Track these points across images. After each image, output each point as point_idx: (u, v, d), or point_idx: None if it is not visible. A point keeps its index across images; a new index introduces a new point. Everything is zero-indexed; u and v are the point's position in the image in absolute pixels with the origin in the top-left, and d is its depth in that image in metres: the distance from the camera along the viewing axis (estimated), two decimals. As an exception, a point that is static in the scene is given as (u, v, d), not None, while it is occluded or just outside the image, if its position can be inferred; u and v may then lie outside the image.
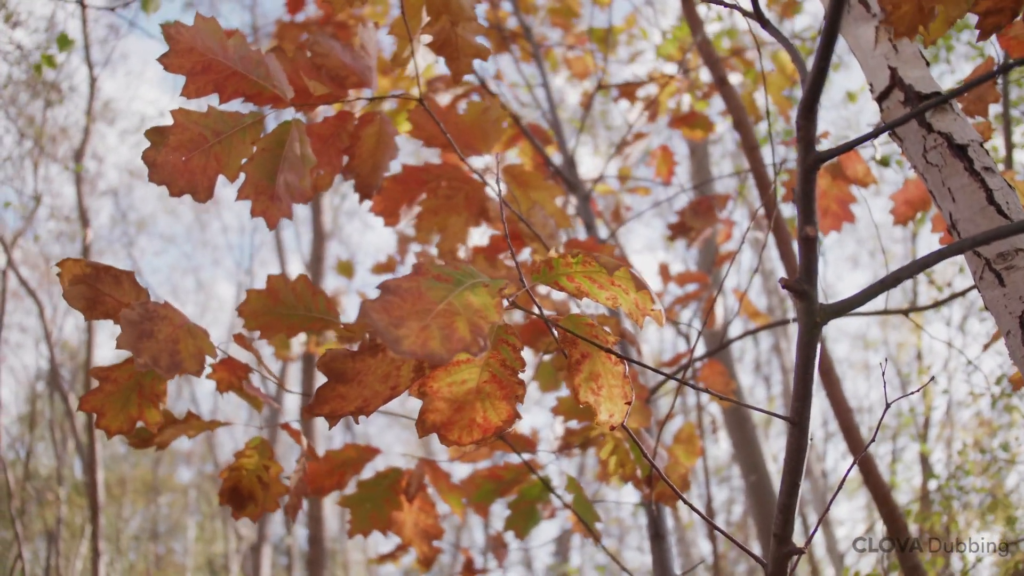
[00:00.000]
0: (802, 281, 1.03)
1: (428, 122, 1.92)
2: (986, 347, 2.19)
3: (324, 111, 2.76)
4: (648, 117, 3.33)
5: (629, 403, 1.12)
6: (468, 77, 3.06)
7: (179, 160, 1.48)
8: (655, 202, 3.05)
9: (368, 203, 2.05)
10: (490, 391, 1.06)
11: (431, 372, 1.07)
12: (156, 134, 1.46)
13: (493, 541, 2.70)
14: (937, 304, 2.37)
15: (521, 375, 1.10)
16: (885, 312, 2.33)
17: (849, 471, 1.22)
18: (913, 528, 5.14)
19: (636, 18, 4.07)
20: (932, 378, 1.31)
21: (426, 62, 1.97)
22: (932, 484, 5.00)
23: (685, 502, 1.20)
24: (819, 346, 3.01)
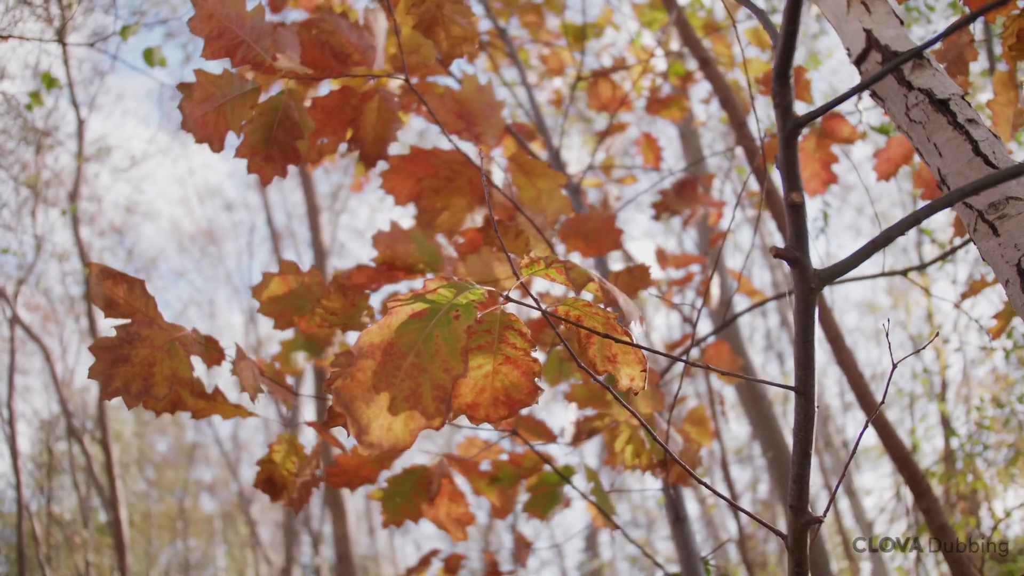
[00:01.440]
0: (793, 248, 1.03)
1: (434, 102, 1.98)
2: (964, 296, 2.19)
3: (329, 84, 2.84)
4: (623, 104, 3.33)
5: (645, 369, 1.12)
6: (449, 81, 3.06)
7: (200, 112, 1.71)
8: (645, 190, 3.04)
9: (371, 228, 2.06)
10: (507, 371, 1.09)
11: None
12: (186, 88, 1.69)
13: (516, 540, 2.70)
14: (934, 261, 2.37)
15: (534, 353, 1.11)
16: (884, 274, 2.32)
17: (863, 432, 1.22)
18: (938, 490, 5.12)
19: (611, 13, 4.07)
20: (937, 333, 1.30)
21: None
22: (954, 444, 4.97)
23: (697, 479, 1.20)
24: (827, 315, 2.98)
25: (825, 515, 1.20)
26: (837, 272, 1.03)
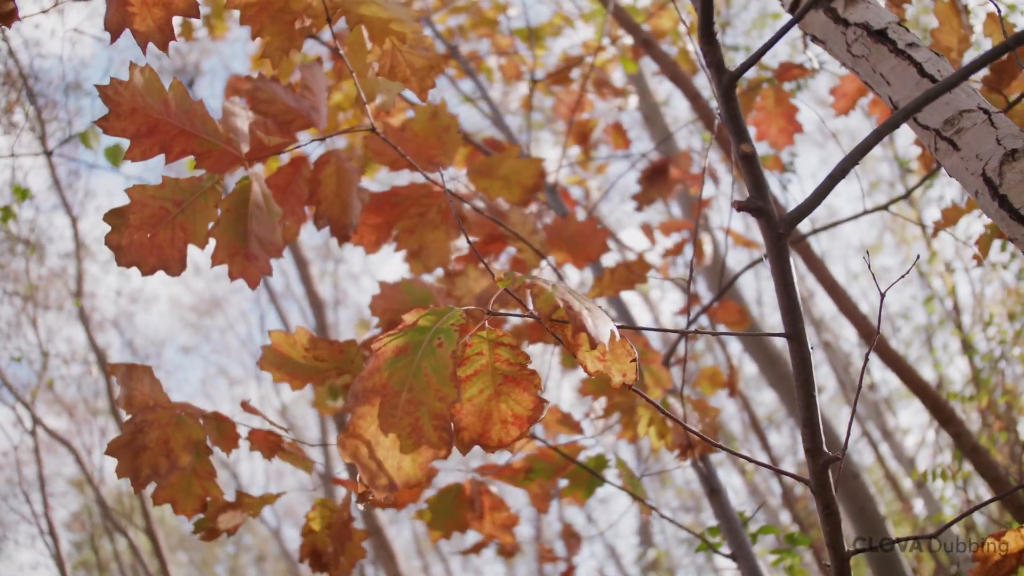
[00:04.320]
0: (754, 199, 1.05)
1: (385, 147, 1.94)
2: (937, 227, 2.19)
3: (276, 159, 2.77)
4: (580, 105, 3.36)
5: (635, 360, 1.14)
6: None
7: (145, 238, 1.45)
8: (621, 174, 3.07)
9: (366, 273, 2.07)
10: (507, 390, 1.09)
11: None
12: (116, 216, 1.43)
13: (565, 531, 2.72)
14: (911, 191, 2.38)
15: (531, 366, 1.12)
16: (866, 212, 2.33)
17: (865, 364, 1.23)
18: (974, 415, 5.09)
19: (561, 15, 4.12)
20: (918, 256, 1.32)
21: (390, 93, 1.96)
22: (978, 363, 4.96)
23: (717, 445, 1.21)
24: (819, 265, 2.98)
25: (844, 453, 1.21)
26: (801, 213, 1.05)
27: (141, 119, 1.40)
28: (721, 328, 3.16)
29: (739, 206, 1.03)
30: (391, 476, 0.97)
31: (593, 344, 0.91)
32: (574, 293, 0.99)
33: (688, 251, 3.46)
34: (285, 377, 1.71)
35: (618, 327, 1.15)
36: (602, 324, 0.94)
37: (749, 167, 1.02)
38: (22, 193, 4.47)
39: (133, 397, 1.60)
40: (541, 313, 0.99)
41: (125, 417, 1.63)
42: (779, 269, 1.06)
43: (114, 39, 1.42)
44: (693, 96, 2.64)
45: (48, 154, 3.66)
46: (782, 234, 1.05)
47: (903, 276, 1.25)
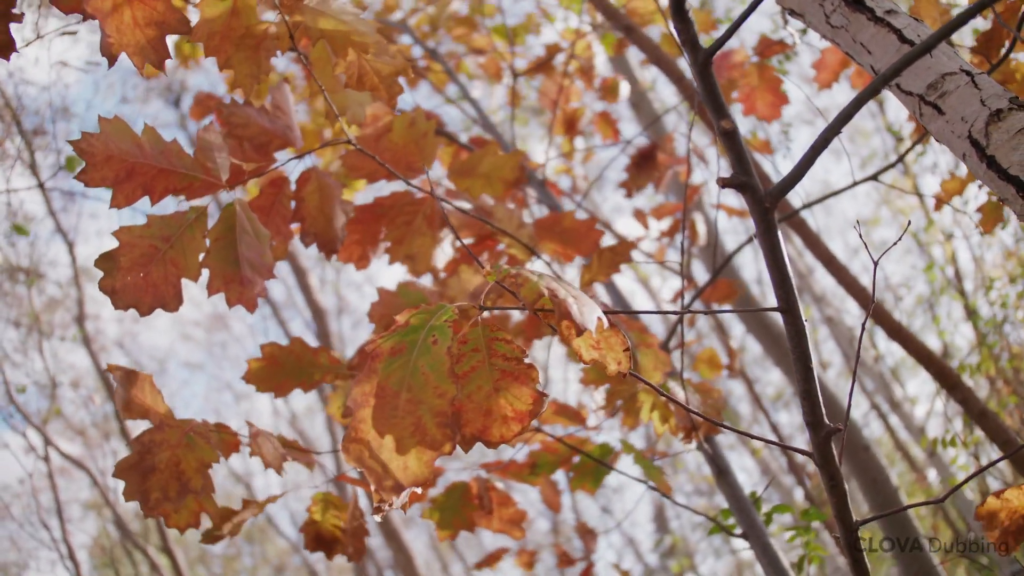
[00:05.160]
0: (738, 174, 1.04)
1: (362, 160, 1.94)
2: (939, 201, 2.18)
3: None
4: (563, 94, 3.35)
5: (627, 348, 1.13)
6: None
7: (138, 278, 1.45)
8: (609, 161, 3.06)
9: (368, 280, 2.07)
10: (506, 384, 1.08)
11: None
12: (106, 261, 1.43)
13: (580, 528, 2.72)
14: (899, 160, 2.37)
15: (528, 359, 1.11)
16: (855, 184, 2.33)
17: (863, 333, 1.23)
18: (982, 382, 5.08)
19: (544, 10, 4.11)
20: (908, 223, 1.31)
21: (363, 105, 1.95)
22: (983, 329, 4.94)
23: (720, 424, 1.21)
24: (815, 240, 2.96)
25: (846, 424, 1.21)
26: (786, 186, 1.04)
27: (118, 165, 1.41)
28: (716, 309, 3.16)
29: (723, 182, 1.03)
30: (398, 477, 0.96)
31: (579, 331, 0.90)
32: (561, 281, 0.99)
33: (687, 234, 3.45)
34: (272, 388, 1.72)
35: (612, 312, 1.14)
36: (588, 311, 0.94)
37: (731, 143, 1.02)
38: (22, 230, 4.49)
39: (132, 403, 1.58)
40: (527, 302, 0.98)
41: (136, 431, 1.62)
42: (768, 243, 1.06)
43: (111, 64, 1.40)
44: (678, 78, 2.64)
45: (40, 185, 3.66)
46: (768, 208, 1.04)
47: (895, 243, 1.25)
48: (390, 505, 0.99)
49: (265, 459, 1.72)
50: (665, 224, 3.45)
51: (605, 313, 1.14)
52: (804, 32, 2.59)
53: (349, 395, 0.98)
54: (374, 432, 0.96)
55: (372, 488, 0.98)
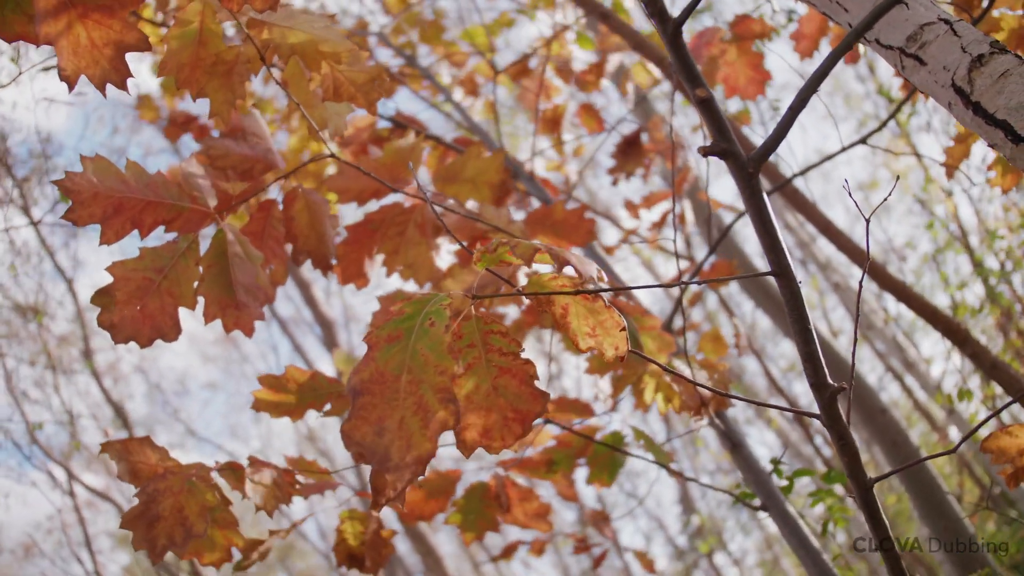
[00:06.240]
0: (719, 142, 1.04)
1: (348, 182, 1.93)
2: (949, 167, 2.16)
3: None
4: (542, 90, 3.34)
5: (623, 329, 1.13)
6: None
7: (135, 311, 1.46)
8: (593, 151, 3.05)
9: (378, 288, 2.07)
10: (505, 383, 1.06)
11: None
12: (103, 296, 1.44)
13: (594, 516, 2.72)
14: (887, 121, 2.36)
15: (524, 354, 1.10)
16: (845, 148, 2.31)
17: (860, 290, 1.22)
18: (998, 336, 5.05)
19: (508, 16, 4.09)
20: (897, 178, 1.31)
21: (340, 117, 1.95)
22: (992, 282, 4.91)
23: (726, 395, 1.21)
24: (811, 208, 2.94)
25: (851, 384, 1.20)
26: (767, 150, 1.04)
27: (104, 202, 1.41)
28: (717, 293, 3.15)
29: (705, 151, 1.03)
30: (401, 455, 0.93)
31: (581, 276, 0.90)
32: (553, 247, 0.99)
33: (677, 216, 3.44)
34: (284, 413, 1.73)
35: (609, 290, 1.14)
36: (587, 263, 0.93)
37: (708, 111, 1.01)
38: (37, 314, 4.49)
39: (137, 470, 1.59)
40: (524, 259, 0.97)
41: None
42: (754, 208, 1.05)
43: (71, 87, 1.41)
44: (658, 60, 2.63)
45: (34, 223, 3.68)
46: (752, 173, 1.04)
47: (885, 199, 1.24)
48: (388, 500, 0.97)
49: (257, 504, 1.71)
50: (656, 214, 3.45)
51: (607, 290, 1.14)
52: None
53: (348, 384, 0.96)
54: (375, 416, 0.94)
55: (371, 476, 0.96)
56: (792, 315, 1.11)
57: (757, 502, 1.99)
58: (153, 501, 1.54)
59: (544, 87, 3.27)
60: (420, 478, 1.13)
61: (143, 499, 1.55)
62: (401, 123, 2.88)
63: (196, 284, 1.55)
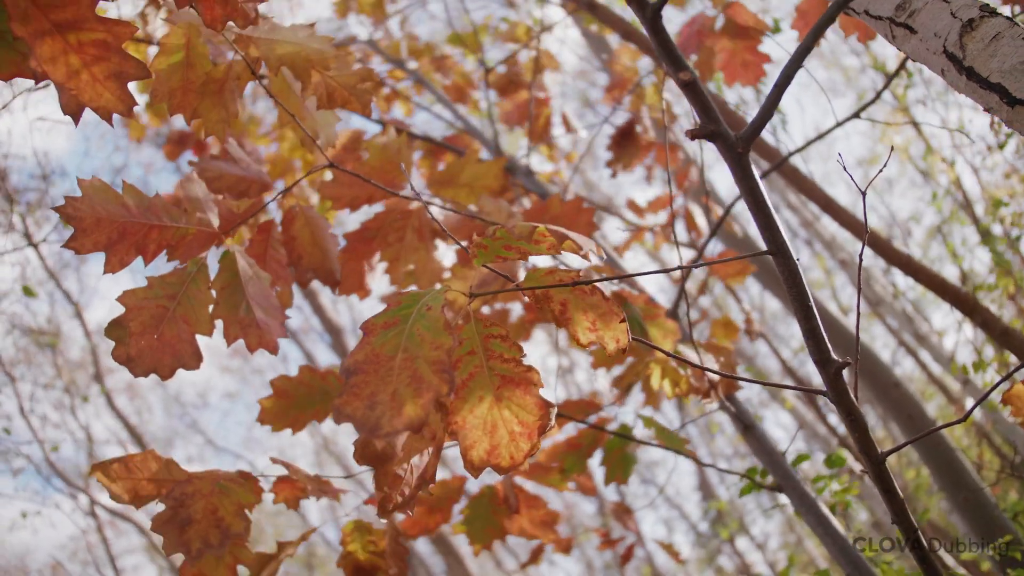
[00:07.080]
0: (706, 124, 1.03)
1: (342, 189, 1.92)
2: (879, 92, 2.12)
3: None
4: (520, 91, 3.33)
5: (623, 320, 1.12)
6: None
7: (152, 341, 1.40)
8: (585, 145, 3.05)
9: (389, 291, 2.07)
10: (508, 393, 1.03)
11: (450, 405, 1.05)
12: (116, 328, 1.38)
13: (616, 509, 2.71)
14: (880, 93, 2.34)
15: (525, 360, 1.08)
16: (839, 124, 2.29)
17: (861, 262, 1.21)
18: (999, 304, 5.01)
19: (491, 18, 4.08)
20: (892, 148, 1.30)
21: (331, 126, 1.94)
22: (1000, 248, 4.87)
23: (733, 377, 1.20)
24: (811, 185, 2.93)
25: (856, 358, 1.20)
26: (756, 129, 1.03)
27: (108, 228, 1.36)
28: (722, 285, 3.14)
29: (692, 134, 1.02)
30: (392, 424, 0.88)
31: (580, 251, 0.89)
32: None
33: (682, 214, 3.43)
34: (287, 424, 1.72)
35: (613, 277, 1.14)
36: (585, 239, 0.93)
37: (693, 94, 1.01)
38: (30, 292, 4.54)
39: (140, 493, 1.54)
40: (523, 237, 0.96)
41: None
42: (747, 187, 1.05)
43: (76, 121, 1.38)
44: (648, 48, 2.61)
45: (34, 245, 3.70)
46: (741, 152, 1.03)
47: (880, 171, 1.23)
48: (394, 505, 0.96)
49: (288, 502, 1.70)
50: (663, 217, 3.42)
51: (605, 279, 1.13)
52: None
53: (342, 367, 0.93)
54: (368, 391, 0.91)
55: (374, 477, 0.95)
56: (792, 292, 1.10)
57: (770, 479, 1.98)
58: (181, 505, 1.49)
59: (527, 103, 3.25)
60: (431, 486, 1.12)
61: (170, 504, 1.49)
62: (383, 124, 2.88)
63: (211, 308, 1.50)
